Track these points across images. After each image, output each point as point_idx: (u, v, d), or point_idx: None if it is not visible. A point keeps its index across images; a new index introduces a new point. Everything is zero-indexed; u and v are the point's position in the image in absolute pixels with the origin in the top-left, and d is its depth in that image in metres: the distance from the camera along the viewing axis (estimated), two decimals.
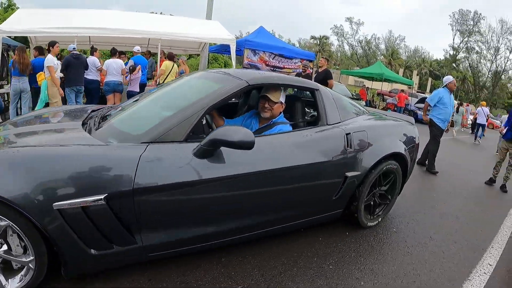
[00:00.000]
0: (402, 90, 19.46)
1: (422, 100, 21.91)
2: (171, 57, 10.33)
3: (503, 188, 6.64)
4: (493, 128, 23.93)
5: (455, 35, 60.69)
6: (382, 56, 63.71)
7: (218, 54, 19.96)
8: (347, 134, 3.17)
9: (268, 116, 3.09)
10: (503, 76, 56.99)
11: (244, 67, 14.82)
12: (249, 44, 13.84)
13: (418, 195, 5.52)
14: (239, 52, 13.91)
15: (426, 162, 7.24)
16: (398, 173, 3.75)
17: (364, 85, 19.67)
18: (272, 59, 14.79)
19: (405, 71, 59.71)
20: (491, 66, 57.08)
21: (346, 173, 3.11)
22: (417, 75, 57.85)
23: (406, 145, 3.86)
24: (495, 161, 7.19)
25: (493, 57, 56.03)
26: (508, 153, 6.75)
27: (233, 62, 11.79)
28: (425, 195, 5.67)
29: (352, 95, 15.67)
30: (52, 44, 7.44)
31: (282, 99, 3.11)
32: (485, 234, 4.27)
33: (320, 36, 63.71)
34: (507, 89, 58.83)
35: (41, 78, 7.23)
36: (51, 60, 7.11)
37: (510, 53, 54.09)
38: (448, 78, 7.11)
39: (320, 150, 2.96)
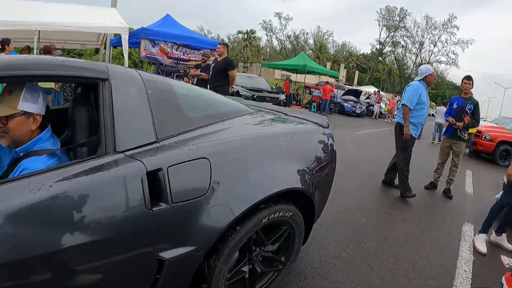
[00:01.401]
0: (327, 82, 18.37)
1: (348, 92, 21.12)
2: (47, 51, 7.83)
3: (447, 193, 5.56)
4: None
5: (381, 30, 63.38)
6: (310, 51, 64.52)
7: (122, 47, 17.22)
8: (151, 173, 1.49)
9: (5, 144, 1.61)
10: None
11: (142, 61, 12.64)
12: (147, 33, 11.55)
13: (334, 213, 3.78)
14: (136, 45, 11.65)
15: (395, 182, 5.47)
16: (296, 222, 2.17)
17: (288, 78, 18.28)
18: (176, 50, 12.58)
19: (333, 64, 60.44)
20: (416, 59, 60.40)
21: (160, 254, 1.51)
22: (345, 68, 59.19)
23: (312, 169, 2.29)
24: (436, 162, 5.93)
25: (418, 50, 59.21)
26: (451, 152, 5.60)
27: (125, 56, 9.47)
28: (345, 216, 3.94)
29: (273, 88, 14.07)
30: (6, 42, 6.83)
31: (29, 106, 1.57)
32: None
33: (248, 31, 62.42)
34: None
35: None
36: None
37: (434, 46, 57.35)
38: (427, 69, 5.15)
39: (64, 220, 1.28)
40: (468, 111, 5.34)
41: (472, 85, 5.35)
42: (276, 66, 19.69)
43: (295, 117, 2.84)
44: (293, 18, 72.62)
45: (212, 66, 7.71)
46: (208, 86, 7.50)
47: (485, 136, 10.67)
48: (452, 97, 5.95)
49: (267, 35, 67.09)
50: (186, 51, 12.65)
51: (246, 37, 62.26)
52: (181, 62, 12.76)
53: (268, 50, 69.41)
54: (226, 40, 71.66)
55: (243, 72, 44.85)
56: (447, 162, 5.73)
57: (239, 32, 63.80)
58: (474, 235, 3.87)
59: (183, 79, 14.43)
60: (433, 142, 14.16)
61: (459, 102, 5.48)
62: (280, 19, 65.92)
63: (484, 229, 3.76)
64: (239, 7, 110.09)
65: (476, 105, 5.44)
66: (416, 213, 4.40)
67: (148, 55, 11.99)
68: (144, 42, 11.68)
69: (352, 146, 8.82)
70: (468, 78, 5.38)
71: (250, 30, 62.61)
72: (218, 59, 7.57)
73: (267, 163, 1.95)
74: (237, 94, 11.97)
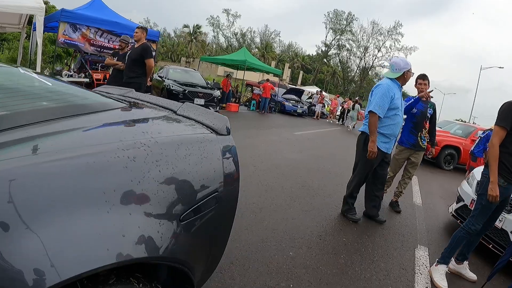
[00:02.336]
0: (268, 80, 17.64)
1: (290, 91, 20.60)
2: None
3: (394, 206, 4.82)
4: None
5: (328, 32, 63.95)
6: (256, 49, 64.29)
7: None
8: None
9: None
10: (370, 72, 62.17)
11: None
12: (67, 16, 9.90)
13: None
14: (56, 30, 10.02)
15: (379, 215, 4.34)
16: None
17: (229, 74, 17.26)
18: (100, 36, 11.04)
19: (278, 64, 60.83)
20: (360, 63, 61.75)
21: None
22: (289, 68, 59.67)
23: (186, 210, 1.33)
24: None
25: (363, 54, 60.61)
26: (407, 162, 4.83)
27: (39, 42, 8.00)
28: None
29: (208, 84, 12.99)
30: None
31: None
32: None
33: (194, 25, 60.74)
34: (373, 83, 64.10)
35: None
36: None
37: (378, 51, 59.17)
38: (406, 63, 3.90)
39: None
40: (428, 116, 4.57)
41: (429, 85, 4.48)
42: (215, 60, 18.59)
43: (184, 116, 1.85)
44: (241, 16, 71.60)
45: (128, 54, 6.53)
46: (123, 77, 6.34)
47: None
48: (407, 98, 4.77)
49: (213, 31, 65.59)
50: (111, 38, 11.14)
51: (192, 32, 60.42)
52: (104, 50, 11.23)
53: (214, 46, 67.99)
54: (172, 35, 69.66)
55: (186, 66, 43.48)
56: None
57: (185, 26, 61.91)
58: (431, 265, 3.12)
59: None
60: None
61: (419, 107, 4.46)
62: (228, 16, 64.66)
63: (445, 260, 3.02)
64: (189, 2, 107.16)
65: (435, 109, 4.69)
66: (359, 237, 3.57)
67: (67, 41, 10.38)
68: (64, 26, 10.09)
69: (287, 148, 8.02)
70: (423, 77, 4.46)
71: (196, 25, 60.98)
72: (135, 46, 6.41)
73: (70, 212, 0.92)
74: (167, 89, 10.78)
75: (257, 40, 70.04)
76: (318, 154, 8.03)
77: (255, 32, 71.17)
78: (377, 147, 3.72)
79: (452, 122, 14.96)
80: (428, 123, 4.60)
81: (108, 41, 11.13)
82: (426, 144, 4.67)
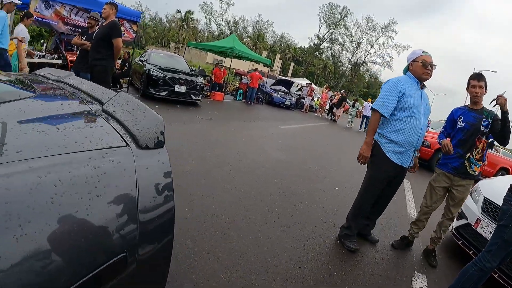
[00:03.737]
0: (256, 69, 16.89)
1: (279, 82, 19.93)
2: None
3: (430, 257, 3.47)
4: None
5: (321, 25, 63.08)
6: (248, 38, 63.30)
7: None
8: None
9: None
10: (361, 67, 61.56)
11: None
12: None
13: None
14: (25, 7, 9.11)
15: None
16: None
17: (219, 63, 16.41)
18: (75, 15, 10.10)
19: (269, 54, 60.12)
20: (352, 58, 61.12)
21: None
22: (280, 59, 59.00)
23: None
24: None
25: (355, 49, 59.95)
26: (448, 196, 3.41)
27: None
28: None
29: (192, 70, 12.18)
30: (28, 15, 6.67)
31: None
32: None
33: (186, 11, 59.32)
34: (364, 79, 64.75)
35: (12, 48, 6.58)
36: (25, 31, 6.67)
37: (371, 47, 58.51)
38: (413, 52, 3.12)
39: None
40: (484, 130, 3.16)
41: (486, 89, 3.19)
42: (203, 46, 17.62)
43: (108, 114, 1.19)
44: (234, 4, 70.18)
45: (95, 33, 5.77)
46: (89, 58, 5.59)
47: (424, 142, 9.98)
48: (454, 109, 3.50)
49: (206, 18, 64.21)
50: (87, 16, 10.24)
51: (183, 17, 58.96)
52: (79, 30, 10.31)
53: (205, 34, 66.62)
54: (164, 20, 67.92)
55: (174, 52, 42.29)
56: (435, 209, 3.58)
57: (178, 11, 60.49)
58: None
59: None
60: (360, 131, 13.24)
61: (467, 118, 3.24)
62: (221, 3, 63.35)
63: None
64: None
65: (494, 117, 3.16)
66: (347, 263, 2.93)
67: (39, 19, 9.41)
68: (35, 2, 9.14)
69: (271, 145, 7.36)
70: (479, 77, 3.16)
71: (188, 11, 59.57)
72: (104, 23, 5.66)
73: None
74: (146, 74, 9.98)
75: (250, 29, 69.29)
76: (304, 153, 7.39)
77: (248, 21, 70.52)
78: (387, 156, 3.00)
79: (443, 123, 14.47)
80: (483, 139, 3.19)
81: (84, 20, 10.13)
82: (478, 169, 3.24)
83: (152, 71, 10.01)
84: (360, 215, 3.22)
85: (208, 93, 14.82)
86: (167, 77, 9.92)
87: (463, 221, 3.70)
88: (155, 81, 9.79)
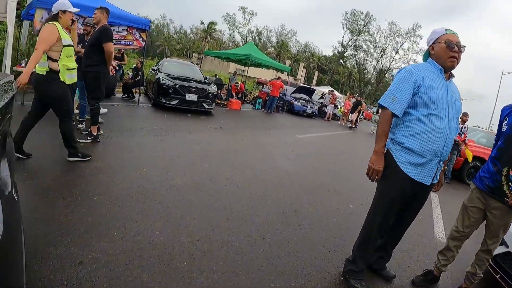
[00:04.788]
0: (279, 78, 16.35)
1: (300, 90, 19.31)
2: None
3: None
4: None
5: (345, 33, 62.05)
6: (272, 48, 63.16)
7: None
8: None
9: None
10: (386, 74, 59.64)
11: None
12: (43, 1, 8.84)
13: None
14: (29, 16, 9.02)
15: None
16: None
17: (235, 72, 15.86)
18: (81, 24, 9.93)
19: (294, 63, 59.75)
20: (376, 64, 59.56)
21: None
22: (304, 68, 58.34)
23: None
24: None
25: (380, 56, 58.40)
26: (486, 221, 2.63)
27: (9, 30, 7.12)
28: None
29: (206, 78, 11.77)
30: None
31: None
32: None
33: (209, 22, 59.91)
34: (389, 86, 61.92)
35: None
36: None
37: (396, 53, 56.82)
38: (433, 32, 2.37)
39: None
40: None
41: None
42: (219, 54, 17.26)
43: None
44: (257, 14, 70.36)
45: (88, 39, 5.52)
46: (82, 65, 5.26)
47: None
48: (503, 107, 2.66)
49: (229, 29, 64.72)
50: (82, 23, 10.04)
51: (206, 29, 59.48)
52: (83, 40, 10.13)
53: (230, 44, 67.03)
54: (188, 31, 68.81)
55: (197, 63, 42.35)
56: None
57: (202, 22, 61.14)
58: None
59: None
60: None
61: None
62: (244, 14, 63.68)
63: None
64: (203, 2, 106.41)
65: None
66: None
67: None
68: (40, 12, 9.00)
69: (282, 154, 6.72)
70: None
71: (211, 22, 60.01)
72: (95, 29, 5.36)
73: None
74: (157, 82, 9.63)
75: (273, 39, 69.34)
76: (319, 164, 6.68)
77: (272, 30, 70.47)
78: (400, 169, 2.30)
79: (476, 130, 13.41)
80: None
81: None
82: None
83: (163, 80, 9.65)
84: (368, 246, 2.48)
85: (225, 102, 14.39)
86: (177, 86, 9.52)
87: (502, 249, 2.93)
88: (165, 90, 9.43)
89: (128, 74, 12.53)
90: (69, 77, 3.95)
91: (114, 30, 9.98)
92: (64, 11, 3.87)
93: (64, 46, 3.80)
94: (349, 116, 18.11)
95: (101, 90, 5.24)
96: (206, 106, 10.23)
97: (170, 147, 5.39)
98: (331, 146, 9.77)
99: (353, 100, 19.14)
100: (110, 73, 6.10)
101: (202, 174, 4.36)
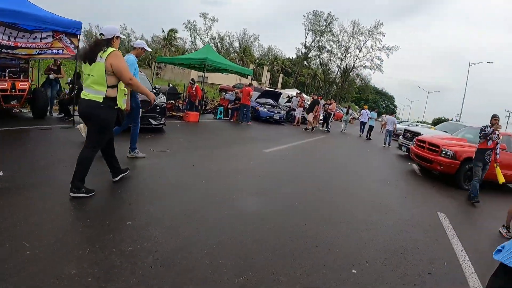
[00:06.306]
0: (250, 84, 14.82)
1: (265, 94, 17.80)
2: None
3: None
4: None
5: (307, 34, 60.98)
6: (235, 53, 61.80)
7: None
8: None
9: None
10: (351, 73, 59.25)
11: None
12: None
13: None
14: None
15: None
16: None
17: (192, 79, 14.05)
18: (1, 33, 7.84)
19: (258, 68, 58.72)
20: (341, 64, 58.96)
21: None
22: (268, 71, 57.30)
23: None
24: None
25: (343, 55, 57.82)
26: None
27: None
28: None
29: (155, 88, 9.97)
30: None
31: None
32: None
33: (169, 30, 57.66)
34: (355, 84, 62.60)
35: None
36: None
37: (359, 51, 56.41)
38: None
39: None
40: None
41: None
42: (172, 60, 15.29)
43: None
44: (218, 20, 68.36)
45: None
46: None
47: (447, 153, 7.78)
48: None
49: (191, 36, 62.55)
50: (11, 33, 7.93)
51: (166, 37, 57.17)
52: (3, 50, 8.05)
53: (192, 52, 64.89)
54: (150, 41, 65.81)
55: (157, 72, 40.16)
56: None
57: (163, 31, 58.87)
58: None
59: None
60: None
61: None
62: (205, 20, 61.75)
63: None
64: (166, 8, 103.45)
65: None
66: None
67: None
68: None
69: (245, 185, 5.03)
70: None
71: (171, 29, 57.83)
72: None
73: None
74: None
75: (236, 44, 68.02)
76: (293, 194, 5.03)
77: (234, 36, 69.08)
78: None
79: (461, 125, 12.41)
80: None
81: (8, 37, 7.89)
82: None
83: None
84: None
85: (181, 114, 12.58)
86: None
87: None
88: None
89: (64, 89, 10.50)
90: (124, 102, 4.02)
91: (36, 37, 8.02)
92: (118, 37, 3.87)
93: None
94: (307, 117, 16.65)
95: None
96: (153, 122, 8.43)
97: (74, 200, 3.58)
98: (307, 159, 8.22)
99: (329, 102, 18.03)
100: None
101: (102, 230, 2.61)
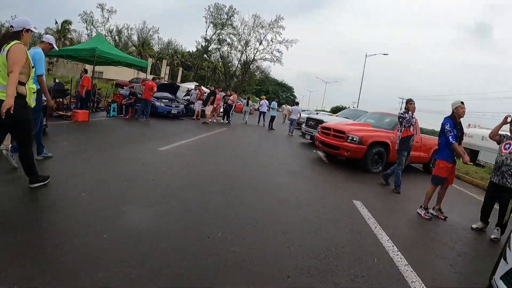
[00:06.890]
0: (154, 78, 14.15)
1: (162, 87, 17.23)
2: None
3: None
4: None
5: (208, 27, 60.29)
6: (133, 47, 58.76)
7: None
8: None
9: None
10: (251, 65, 60.46)
11: None
12: None
13: None
14: None
15: None
16: None
17: (85, 69, 12.76)
18: None
19: (157, 62, 57.44)
20: (241, 57, 59.76)
21: None
22: (168, 65, 55.74)
23: None
24: None
25: (244, 48, 58.60)
26: None
27: None
28: None
29: None
30: None
31: None
32: None
33: (62, 22, 51.95)
34: (255, 76, 64.38)
35: None
36: None
37: (259, 44, 57.60)
38: None
39: None
40: None
41: None
42: (59, 53, 13.44)
43: None
44: (117, 11, 63.82)
45: None
46: None
47: (353, 138, 8.27)
48: None
49: (87, 29, 57.40)
50: None
51: (60, 29, 51.28)
52: None
53: None
54: (42, 33, 57.96)
55: (49, 68, 35.66)
56: None
57: (56, 22, 52.73)
58: None
59: None
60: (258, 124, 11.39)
61: None
62: (102, 11, 57.26)
63: None
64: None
65: None
66: None
67: None
68: None
69: (133, 196, 4.42)
70: None
71: (65, 21, 52.22)
72: None
73: None
74: None
75: (135, 38, 65.30)
76: (192, 199, 4.48)
77: (133, 29, 65.60)
78: None
79: (362, 111, 13.49)
80: None
81: None
82: None
83: None
84: None
85: (69, 113, 11.45)
86: None
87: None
88: None
89: None
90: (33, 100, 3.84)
91: None
92: (28, 30, 3.66)
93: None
94: (205, 110, 16.76)
95: None
96: None
97: None
98: (207, 157, 8.05)
99: (230, 94, 18.18)
100: None
101: None
